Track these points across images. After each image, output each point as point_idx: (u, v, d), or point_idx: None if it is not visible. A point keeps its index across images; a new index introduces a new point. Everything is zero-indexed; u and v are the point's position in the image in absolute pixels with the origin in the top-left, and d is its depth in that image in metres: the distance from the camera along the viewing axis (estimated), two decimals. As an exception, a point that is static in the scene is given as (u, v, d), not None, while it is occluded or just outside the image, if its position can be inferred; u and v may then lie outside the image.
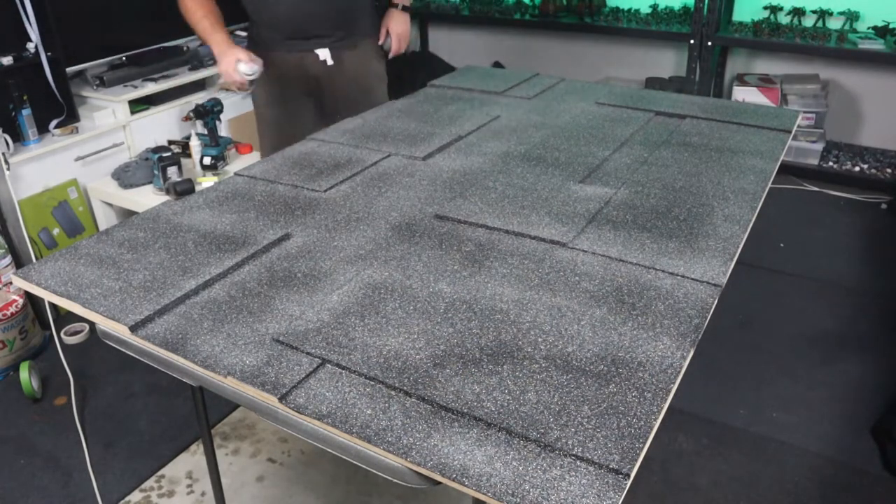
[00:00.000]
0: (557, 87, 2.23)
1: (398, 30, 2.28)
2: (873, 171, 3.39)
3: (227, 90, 2.11)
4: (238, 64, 1.88)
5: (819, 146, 3.48)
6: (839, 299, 2.61)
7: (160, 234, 1.35)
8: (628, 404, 0.90)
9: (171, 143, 2.94)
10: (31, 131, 2.55)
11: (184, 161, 2.77)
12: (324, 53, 2.14)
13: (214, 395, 1.05)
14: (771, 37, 3.41)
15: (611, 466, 0.81)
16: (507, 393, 0.93)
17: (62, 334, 2.49)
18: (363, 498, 1.84)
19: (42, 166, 2.58)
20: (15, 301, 2.37)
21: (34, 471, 1.95)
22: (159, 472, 1.94)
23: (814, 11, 3.48)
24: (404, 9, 2.29)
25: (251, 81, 1.95)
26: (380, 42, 2.28)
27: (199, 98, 2.99)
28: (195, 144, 2.77)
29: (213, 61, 3.22)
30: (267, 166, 1.66)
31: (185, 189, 2.42)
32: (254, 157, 2.92)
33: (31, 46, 2.54)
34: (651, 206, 1.42)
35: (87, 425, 2.10)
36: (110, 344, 1.15)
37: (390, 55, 2.30)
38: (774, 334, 2.43)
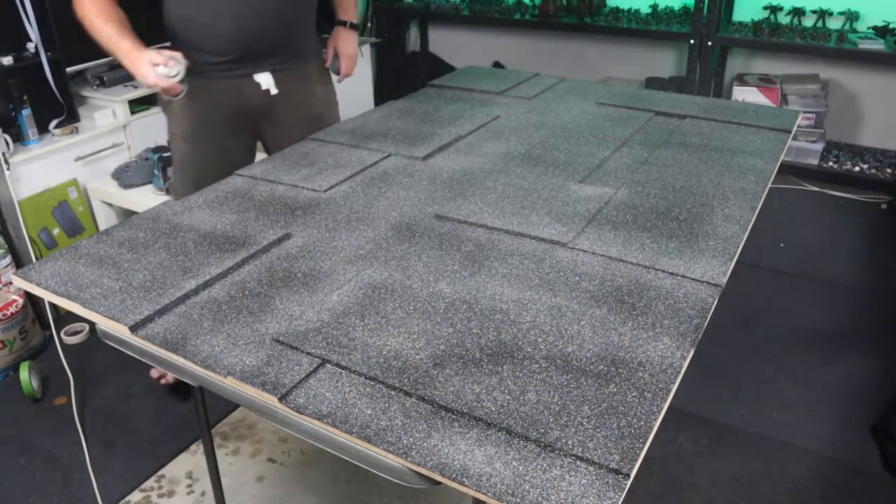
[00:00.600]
0: (557, 87, 2.23)
1: (348, 50, 2.02)
2: (873, 171, 3.39)
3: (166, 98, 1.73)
4: (158, 69, 1.58)
5: (819, 146, 3.48)
6: (839, 299, 2.61)
7: (160, 234, 1.35)
8: (628, 404, 0.90)
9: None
10: (31, 131, 2.55)
11: (184, 161, 2.77)
12: (265, 80, 1.83)
13: (214, 395, 1.05)
14: (771, 37, 3.41)
15: (611, 466, 0.81)
16: (507, 393, 0.93)
17: (62, 334, 2.49)
18: (363, 498, 1.84)
19: (42, 166, 2.58)
20: (15, 301, 2.37)
21: (34, 471, 1.95)
22: (159, 472, 1.94)
23: (814, 11, 3.48)
24: (352, 26, 2.03)
25: (182, 82, 1.64)
26: (327, 64, 2.02)
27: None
28: (195, 144, 2.77)
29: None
30: (267, 166, 1.66)
31: None
32: (254, 157, 2.92)
33: (31, 46, 2.54)
34: (651, 206, 1.42)
35: (87, 425, 2.10)
36: (110, 344, 1.15)
37: (339, 79, 2.05)
38: (774, 334, 2.43)
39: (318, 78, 1.99)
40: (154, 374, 2.18)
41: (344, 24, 2.01)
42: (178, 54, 1.62)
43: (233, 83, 1.80)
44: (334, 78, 2.07)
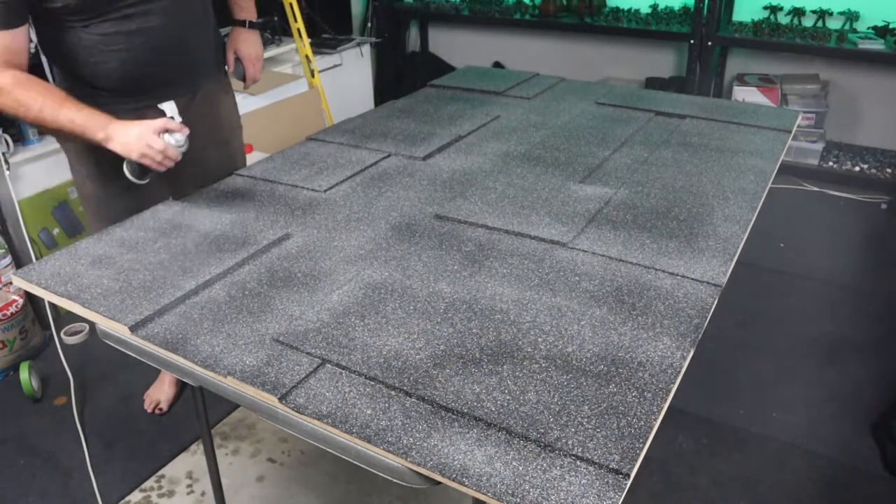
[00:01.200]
0: (557, 87, 2.23)
1: (250, 52, 1.81)
2: (873, 171, 3.39)
3: (141, 167, 1.43)
4: (165, 136, 1.36)
5: (819, 146, 3.48)
6: (839, 299, 2.61)
7: (160, 234, 1.35)
8: (628, 404, 0.90)
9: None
10: (31, 131, 2.55)
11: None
12: (170, 108, 1.63)
13: (214, 395, 1.05)
14: (771, 37, 3.41)
15: (611, 466, 0.81)
16: (507, 393, 0.93)
17: (62, 334, 2.49)
18: (363, 498, 1.84)
19: (42, 166, 2.57)
20: (15, 301, 2.37)
21: (34, 471, 1.95)
22: (159, 472, 1.94)
23: (814, 11, 3.48)
24: (251, 25, 1.82)
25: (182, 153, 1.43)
26: (230, 70, 1.82)
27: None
28: (195, 144, 2.76)
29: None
30: (267, 166, 1.66)
31: None
32: (254, 158, 2.92)
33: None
34: (651, 206, 1.42)
35: (87, 425, 2.10)
36: (110, 344, 1.15)
37: (245, 85, 1.87)
38: (774, 334, 2.43)
39: (223, 98, 1.82)
40: (148, 406, 2.14)
41: (242, 23, 1.81)
42: (179, 123, 1.43)
43: (133, 116, 1.55)
44: (239, 86, 1.89)
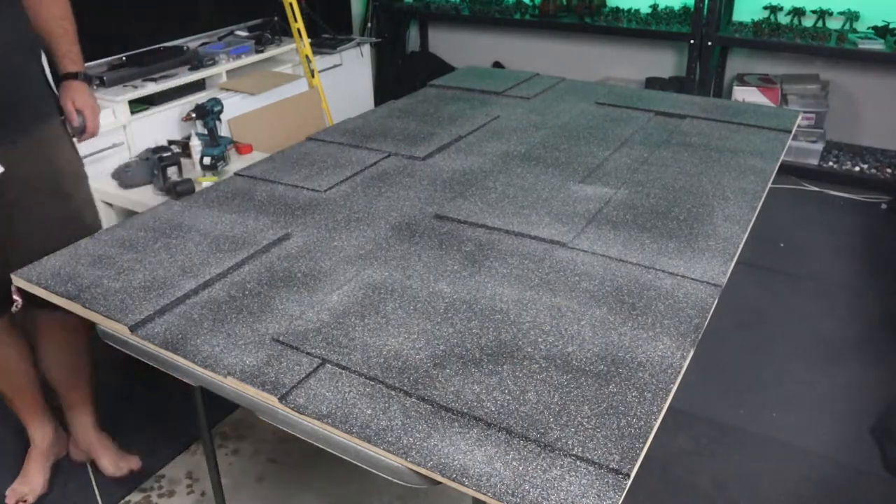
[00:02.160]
0: (557, 87, 2.23)
1: (83, 103, 1.70)
2: (873, 171, 3.39)
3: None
4: None
5: (819, 146, 3.48)
6: (839, 299, 2.61)
7: (160, 234, 1.35)
8: (628, 404, 0.90)
9: (171, 143, 2.94)
10: (30, 131, 2.55)
11: (184, 161, 2.77)
12: None
13: (214, 395, 1.05)
14: (771, 37, 3.41)
15: (611, 466, 0.81)
16: (507, 393, 0.93)
17: (62, 334, 2.48)
18: (363, 498, 1.84)
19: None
20: (15, 301, 2.36)
21: (34, 471, 1.94)
22: (159, 472, 1.94)
23: (814, 11, 3.48)
24: (84, 78, 1.72)
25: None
26: (74, 124, 1.71)
27: (200, 98, 2.99)
28: (195, 144, 2.76)
29: (212, 61, 3.22)
30: (267, 166, 1.66)
31: (185, 189, 2.41)
32: (254, 157, 2.92)
33: None
34: (651, 206, 1.42)
35: (87, 425, 2.10)
36: (110, 344, 1.15)
37: (83, 137, 1.75)
38: (775, 334, 2.43)
39: (60, 147, 1.66)
40: (10, 500, 1.82)
41: (74, 75, 1.70)
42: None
43: None
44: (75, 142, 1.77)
